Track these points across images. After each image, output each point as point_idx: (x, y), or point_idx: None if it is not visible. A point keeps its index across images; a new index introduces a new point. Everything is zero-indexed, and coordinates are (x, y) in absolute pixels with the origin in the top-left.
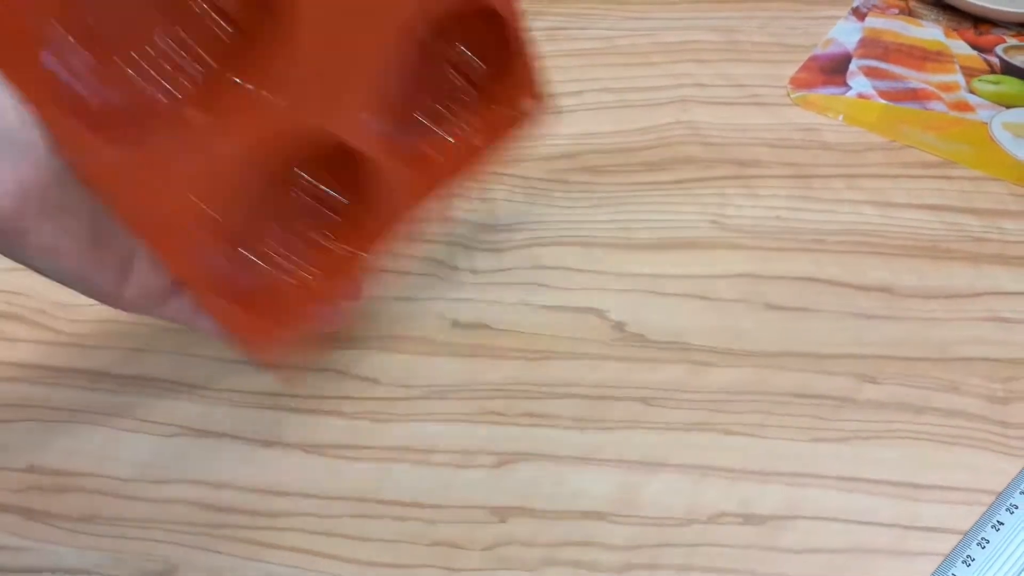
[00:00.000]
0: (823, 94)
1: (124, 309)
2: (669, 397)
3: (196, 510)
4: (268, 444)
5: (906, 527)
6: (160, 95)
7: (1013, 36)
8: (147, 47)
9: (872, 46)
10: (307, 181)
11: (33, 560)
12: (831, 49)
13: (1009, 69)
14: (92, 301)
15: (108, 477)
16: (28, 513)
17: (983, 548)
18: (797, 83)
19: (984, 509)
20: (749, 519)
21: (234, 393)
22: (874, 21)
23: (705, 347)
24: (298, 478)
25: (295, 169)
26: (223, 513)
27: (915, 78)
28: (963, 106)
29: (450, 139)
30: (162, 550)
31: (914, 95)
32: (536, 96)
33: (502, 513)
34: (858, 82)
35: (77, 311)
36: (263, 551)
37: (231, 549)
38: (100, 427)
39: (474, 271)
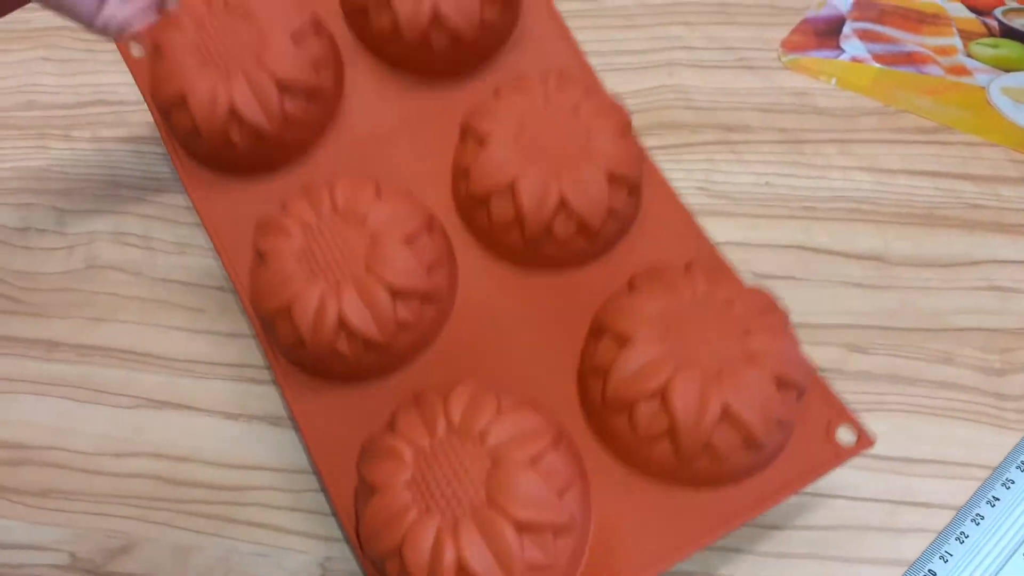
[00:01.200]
0: (815, 57)
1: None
2: None
3: (158, 484)
4: (232, 416)
5: (896, 502)
6: None
7: None
8: None
9: (867, 8)
10: None
11: None
12: (824, 11)
13: (1008, 32)
14: (52, 269)
15: (66, 450)
16: None
17: (978, 524)
18: (789, 46)
19: (979, 484)
20: None
21: (197, 364)
22: None
23: None
24: (263, 451)
25: None
26: (186, 487)
27: (911, 41)
28: (960, 70)
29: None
30: (122, 525)
31: (910, 59)
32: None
33: None
34: (852, 45)
35: (36, 280)
36: (227, 526)
37: (194, 525)
38: (57, 399)
39: None
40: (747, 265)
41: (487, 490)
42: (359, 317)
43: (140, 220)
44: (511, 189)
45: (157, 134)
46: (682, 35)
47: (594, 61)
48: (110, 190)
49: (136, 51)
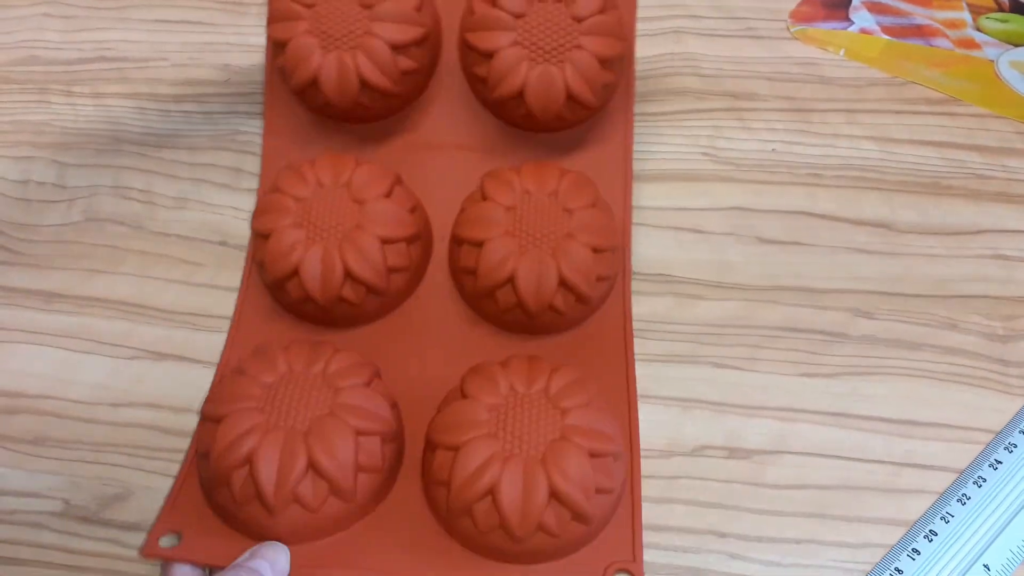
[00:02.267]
0: (824, 28)
1: None
2: (655, 329)
3: (154, 434)
4: None
5: (899, 464)
6: None
7: None
8: None
9: None
10: None
11: None
12: None
13: (1017, 7)
14: (51, 222)
15: (62, 399)
16: None
17: (979, 487)
18: (797, 16)
19: (981, 448)
20: (734, 453)
21: (196, 316)
22: None
23: (693, 279)
24: None
25: None
26: (182, 438)
27: (920, 14)
28: (969, 43)
29: None
30: (118, 474)
31: (919, 31)
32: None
33: None
34: (861, 17)
35: (35, 231)
36: None
37: None
38: (55, 349)
39: None
40: (752, 230)
41: (330, 408)
42: (360, 267)
43: (140, 175)
44: (478, 248)
45: (158, 91)
46: (689, 3)
47: None
48: (111, 145)
49: None
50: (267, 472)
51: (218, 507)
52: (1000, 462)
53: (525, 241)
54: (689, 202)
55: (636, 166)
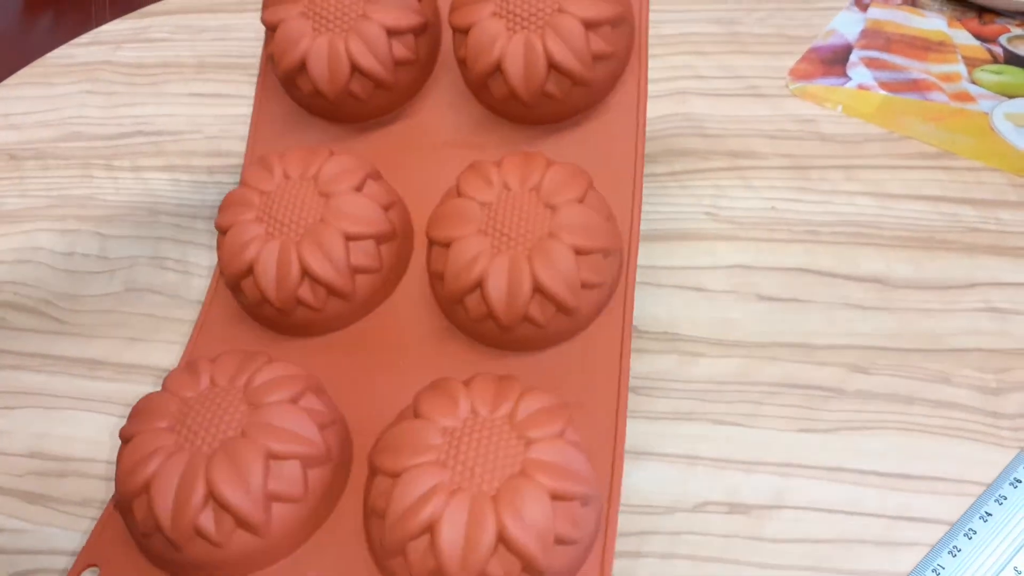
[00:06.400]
0: (822, 85)
1: None
2: (658, 387)
3: None
4: None
5: (893, 517)
6: None
7: (1017, 26)
8: None
9: (874, 37)
10: None
11: (32, 542)
12: (832, 40)
13: (1012, 59)
14: (94, 292)
15: (107, 463)
16: (28, 497)
17: (970, 539)
18: (796, 74)
19: (973, 500)
20: (734, 508)
21: None
22: (876, 12)
23: (695, 338)
24: None
25: None
26: None
27: (916, 68)
28: (964, 96)
29: None
30: None
31: (915, 85)
32: None
33: None
34: (858, 73)
35: (80, 302)
36: None
37: None
38: (100, 414)
39: None
40: (752, 288)
41: (243, 428)
42: (319, 264)
43: (176, 245)
44: (447, 249)
45: (192, 163)
46: (695, 64)
47: None
48: (148, 217)
49: None
50: (163, 502)
51: (135, 538)
52: (990, 514)
53: (499, 241)
54: (692, 261)
55: (642, 226)
